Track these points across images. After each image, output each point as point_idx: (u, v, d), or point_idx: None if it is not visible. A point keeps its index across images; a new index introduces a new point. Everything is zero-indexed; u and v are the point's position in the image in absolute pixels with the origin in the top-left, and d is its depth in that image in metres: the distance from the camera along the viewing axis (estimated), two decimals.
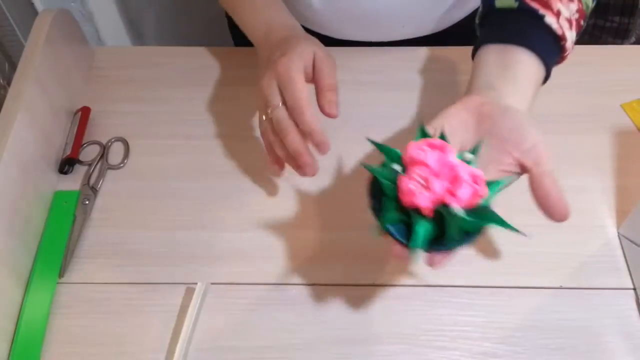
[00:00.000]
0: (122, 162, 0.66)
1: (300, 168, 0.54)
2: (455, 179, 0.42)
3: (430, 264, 0.44)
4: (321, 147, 0.53)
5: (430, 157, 0.42)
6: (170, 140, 0.67)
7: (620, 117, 0.68)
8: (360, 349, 0.53)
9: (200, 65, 0.74)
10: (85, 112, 0.69)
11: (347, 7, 0.69)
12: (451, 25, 0.74)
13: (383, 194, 0.44)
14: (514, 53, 0.52)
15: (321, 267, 0.58)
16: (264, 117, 0.56)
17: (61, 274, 0.57)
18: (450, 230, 0.42)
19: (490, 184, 0.44)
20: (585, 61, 0.71)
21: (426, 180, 0.41)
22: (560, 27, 0.52)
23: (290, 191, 0.63)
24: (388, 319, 0.55)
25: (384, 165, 0.45)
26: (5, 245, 0.53)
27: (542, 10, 0.52)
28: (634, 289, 0.56)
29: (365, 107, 0.69)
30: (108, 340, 0.54)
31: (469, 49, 0.74)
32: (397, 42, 0.75)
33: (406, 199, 0.42)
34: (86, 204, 0.62)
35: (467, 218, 0.41)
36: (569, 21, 0.53)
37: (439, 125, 0.49)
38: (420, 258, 0.43)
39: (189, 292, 0.56)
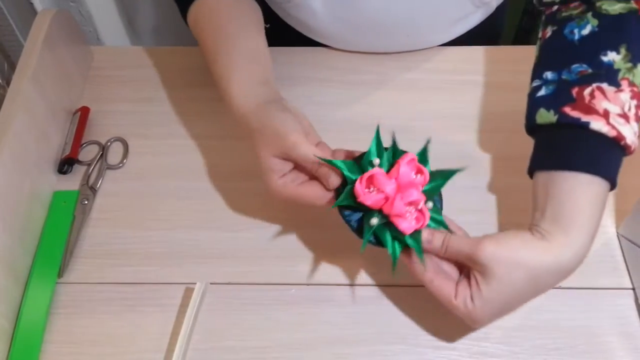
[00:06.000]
0: (121, 162, 0.66)
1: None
2: (405, 187, 0.47)
3: None
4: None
5: (404, 169, 0.47)
6: (170, 140, 0.67)
7: None
8: (360, 349, 0.53)
9: (200, 65, 0.74)
10: (84, 112, 0.69)
11: (351, 16, 0.68)
12: (455, 38, 0.74)
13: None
14: (558, 181, 0.47)
15: (321, 267, 0.58)
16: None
17: (60, 274, 0.57)
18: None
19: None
20: None
21: (372, 180, 0.48)
22: (613, 127, 0.47)
23: None
24: (388, 318, 0.55)
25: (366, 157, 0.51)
26: (4, 245, 0.53)
27: (584, 118, 0.47)
28: (633, 288, 0.56)
29: (365, 107, 0.69)
30: (107, 340, 0.54)
31: (468, 49, 0.75)
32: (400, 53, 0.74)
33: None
34: (85, 203, 0.62)
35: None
36: (624, 116, 0.47)
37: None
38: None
39: (188, 292, 0.56)
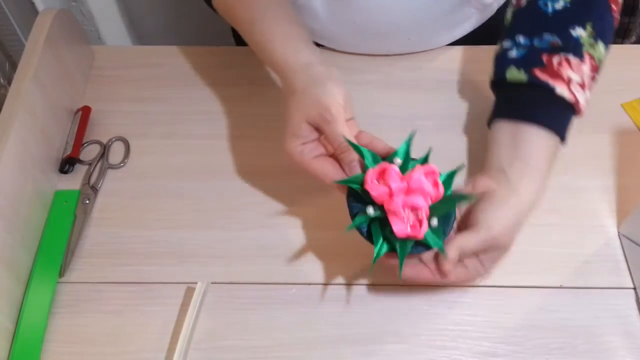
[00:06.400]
0: (123, 161, 0.66)
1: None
2: (413, 192, 0.47)
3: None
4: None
5: (417, 174, 0.47)
6: (171, 140, 0.68)
7: (621, 116, 0.68)
8: (360, 349, 0.53)
9: (200, 65, 0.74)
10: (85, 111, 0.69)
11: (353, 18, 0.68)
12: (456, 40, 0.74)
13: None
14: (524, 132, 0.55)
15: (321, 267, 0.58)
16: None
17: (61, 274, 0.57)
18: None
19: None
20: None
21: (384, 173, 0.47)
22: (572, 94, 0.54)
23: (290, 190, 0.63)
24: (388, 318, 0.55)
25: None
26: (5, 244, 0.53)
27: (552, 83, 0.54)
28: (634, 288, 0.56)
29: (369, 107, 0.69)
30: (108, 339, 0.54)
31: (468, 48, 0.75)
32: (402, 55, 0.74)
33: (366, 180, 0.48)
34: (86, 203, 0.62)
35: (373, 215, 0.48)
36: (582, 85, 0.55)
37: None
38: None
39: (189, 291, 0.56)
